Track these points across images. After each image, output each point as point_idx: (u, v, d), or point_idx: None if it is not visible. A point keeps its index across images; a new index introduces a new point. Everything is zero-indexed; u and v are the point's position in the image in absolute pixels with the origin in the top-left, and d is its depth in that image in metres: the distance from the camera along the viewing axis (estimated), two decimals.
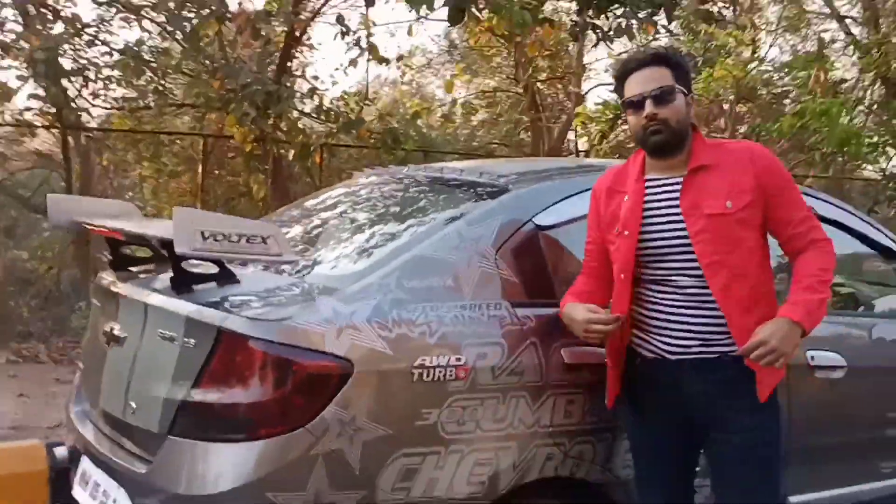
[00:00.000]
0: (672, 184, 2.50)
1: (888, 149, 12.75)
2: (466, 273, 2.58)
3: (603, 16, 7.06)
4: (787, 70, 12.98)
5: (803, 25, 15.30)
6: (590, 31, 7.48)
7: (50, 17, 7.64)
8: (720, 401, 2.44)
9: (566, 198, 2.85)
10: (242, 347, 2.30)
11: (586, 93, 14.08)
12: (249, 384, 2.29)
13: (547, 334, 2.61)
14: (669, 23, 7.58)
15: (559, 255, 2.83)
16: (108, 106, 9.17)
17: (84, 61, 8.31)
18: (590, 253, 2.65)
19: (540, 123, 12.55)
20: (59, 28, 7.42)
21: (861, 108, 13.95)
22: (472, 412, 2.46)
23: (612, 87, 2.94)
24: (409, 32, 7.52)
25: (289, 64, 9.36)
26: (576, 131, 11.53)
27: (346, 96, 10.13)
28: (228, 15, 6.65)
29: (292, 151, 8.23)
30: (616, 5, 6.84)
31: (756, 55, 13.84)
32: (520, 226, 2.73)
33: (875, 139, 11.82)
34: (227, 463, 2.28)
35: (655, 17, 7.38)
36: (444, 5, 5.72)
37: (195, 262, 2.58)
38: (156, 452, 2.41)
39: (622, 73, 2.56)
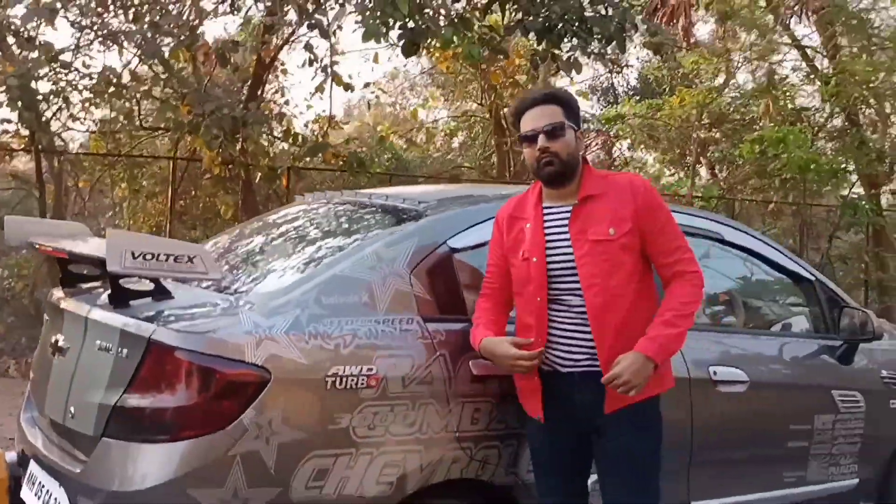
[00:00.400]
0: (564, 212, 2.77)
1: (847, 175, 13.12)
2: (381, 291, 2.82)
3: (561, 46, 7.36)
4: (743, 99, 13.33)
5: (770, 54, 15.70)
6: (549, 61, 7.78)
7: (23, 44, 7.85)
8: (601, 410, 2.69)
9: (480, 223, 3.09)
10: (169, 357, 2.53)
11: None
12: (175, 390, 2.52)
13: (456, 347, 2.85)
14: (623, 52, 7.88)
15: (471, 275, 3.07)
16: (85, 129, 9.39)
17: (63, 84, 8.54)
18: (491, 275, 2.90)
19: (505, 148, 12.84)
20: (33, 54, 7.62)
21: (822, 135, 14.31)
22: (382, 418, 2.69)
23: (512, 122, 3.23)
24: (375, 60, 7.76)
25: (260, 90, 9.61)
26: None
27: (319, 119, 10.39)
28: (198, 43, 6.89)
29: (259, 174, 8.49)
30: (568, 38, 7.12)
31: (730, 82, 14.20)
32: (434, 248, 2.98)
33: (833, 166, 12.15)
34: (153, 462, 2.50)
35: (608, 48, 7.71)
36: (399, 39, 5.99)
37: (136, 278, 2.81)
38: (90, 453, 2.63)
39: (518, 110, 2.84)
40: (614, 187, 2.76)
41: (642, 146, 15.96)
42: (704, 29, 16.78)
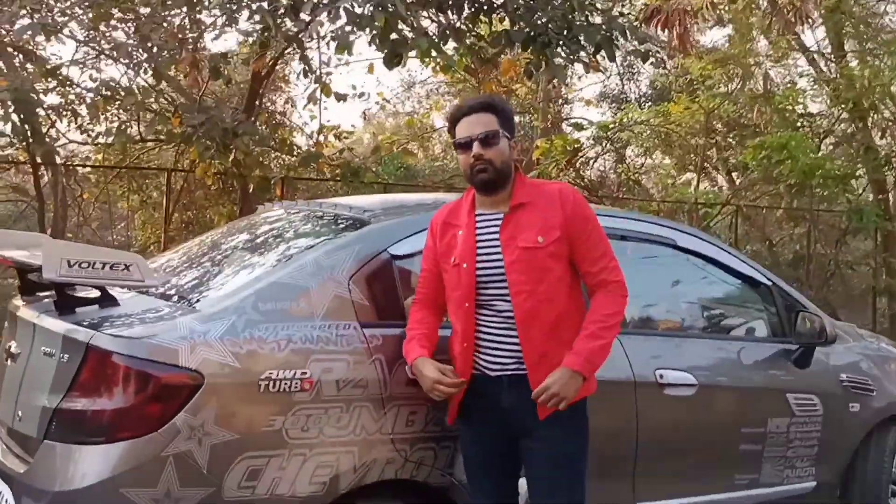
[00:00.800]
0: (496, 218, 2.84)
1: (855, 180, 13.04)
2: (319, 297, 2.91)
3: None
4: (745, 103, 13.29)
5: (785, 58, 15.67)
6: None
7: (21, 57, 8.05)
8: (530, 414, 2.75)
9: (422, 230, 3.16)
10: (107, 361, 2.62)
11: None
12: (112, 394, 2.62)
13: (393, 352, 2.93)
14: (612, 61, 7.92)
15: (412, 282, 3.15)
16: (85, 141, 9.56)
17: (71, 97, 8.74)
18: (424, 281, 2.98)
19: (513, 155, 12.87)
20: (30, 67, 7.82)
21: (829, 140, 14.25)
22: (316, 420, 2.78)
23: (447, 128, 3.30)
24: (370, 70, 7.86)
25: (258, 102, 9.74)
26: (537, 164, 11.82)
27: (323, 130, 10.53)
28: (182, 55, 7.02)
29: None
30: (553, 47, 7.19)
31: (745, 87, 14.17)
32: (375, 255, 3.06)
33: (840, 171, 12.10)
34: (90, 463, 2.59)
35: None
36: (381, 51, 6.08)
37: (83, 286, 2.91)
38: (34, 455, 2.73)
39: (454, 117, 2.92)
40: (544, 196, 2.83)
41: (657, 151, 15.95)
42: (717, 34, 16.71)
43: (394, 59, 6.09)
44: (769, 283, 4.03)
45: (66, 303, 2.85)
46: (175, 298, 3.00)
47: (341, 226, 3.28)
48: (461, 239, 2.86)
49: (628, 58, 15.30)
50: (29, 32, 6.67)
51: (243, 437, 2.68)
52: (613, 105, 19.75)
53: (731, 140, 14.78)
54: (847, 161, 13.18)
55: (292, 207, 3.79)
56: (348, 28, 5.61)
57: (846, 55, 13.22)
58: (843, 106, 12.67)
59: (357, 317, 2.94)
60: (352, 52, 5.46)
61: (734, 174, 15.99)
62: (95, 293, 2.88)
